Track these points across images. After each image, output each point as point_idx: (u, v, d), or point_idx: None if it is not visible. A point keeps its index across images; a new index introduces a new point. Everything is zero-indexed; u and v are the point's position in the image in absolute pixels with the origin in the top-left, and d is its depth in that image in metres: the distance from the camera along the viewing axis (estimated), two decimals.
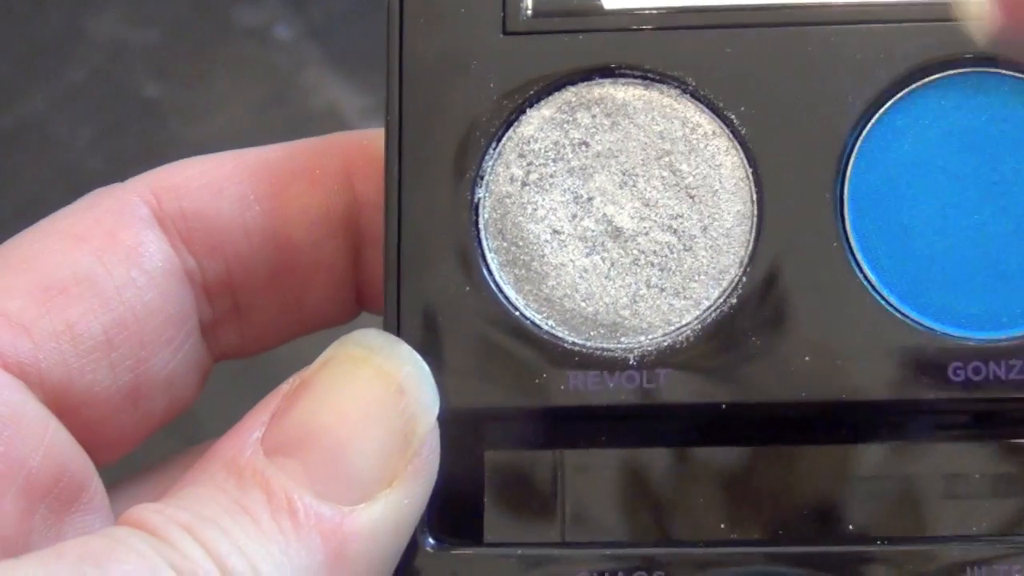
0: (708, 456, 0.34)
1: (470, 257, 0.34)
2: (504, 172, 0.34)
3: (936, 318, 0.33)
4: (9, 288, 0.33)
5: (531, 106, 0.35)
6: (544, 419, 0.34)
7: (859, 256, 0.34)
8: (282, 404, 0.32)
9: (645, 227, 0.34)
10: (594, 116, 0.35)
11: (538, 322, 0.34)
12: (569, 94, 0.35)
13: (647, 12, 0.35)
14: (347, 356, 0.32)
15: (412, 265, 0.34)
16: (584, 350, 0.34)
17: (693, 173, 0.34)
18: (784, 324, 0.33)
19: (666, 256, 0.34)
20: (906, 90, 0.34)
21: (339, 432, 0.31)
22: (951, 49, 0.34)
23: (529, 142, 0.35)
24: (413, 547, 0.33)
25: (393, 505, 0.31)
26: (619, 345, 0.34)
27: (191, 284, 0.35)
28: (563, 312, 0.34)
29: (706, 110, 0.34)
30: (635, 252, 0.34)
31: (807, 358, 0.33)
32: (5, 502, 0.31)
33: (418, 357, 0.32)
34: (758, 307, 0.33)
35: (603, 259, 0.34)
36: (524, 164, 0.34)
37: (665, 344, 0.33)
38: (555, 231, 0.34)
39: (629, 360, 0.33)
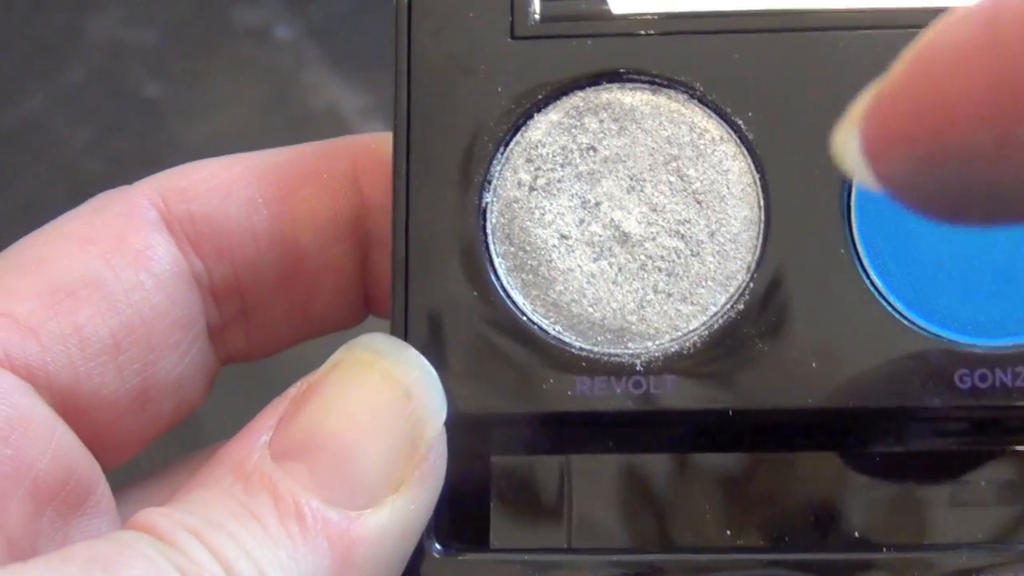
0: (714, 462, 0.34)
1: (477, 262, 0.34)
2: (512, 177, 0.34)
3: (943, 325, 0.33)
4: (17, 290, 0.33)
5: (539, 111, 0.35)
6: (551, 425, 0.34)
7: (866, 262, 0.34)
8: (290, 408, 0.32)
9: (652, 232, 0.34)
10: (602, 121, 0.35)
11: (545, 327, 0.34)
12: (577, 99, 0.35)
13: (655, 17, 0.35)
14: (355, 360, 0.32)
15: (420, 269, 0.34)
16: (591, 355, 0.34)
17: (700, 178, 0.34)
18: (791, 330, 0.33)
19: (673, 261, 0.34)
20: None
21: (346, 437, 0.31)
22: None
23: (537, 147, 0.35)
24: (419, 552, 0.33)
25: (400, 510, 0.31)
26: (626, 351, 0.34)
27: (199, 287, 0.35)
28: (570, 317, 0.34)
29: (714, 115, 0.34)
30: (642, 257, 0.34)
31: (813, 364, 0.33)
32: (12, 505, 0.31)
33: (426, 362, 0.32)
34: (765, 313, 0.33)
35: (610, 264, 0.34)
36: (532, 169, 0.34)
37: (672, 350, 0.33)
38: (562, 236, 0.34)
39: (636, 366, 0.33)
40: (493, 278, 0.34)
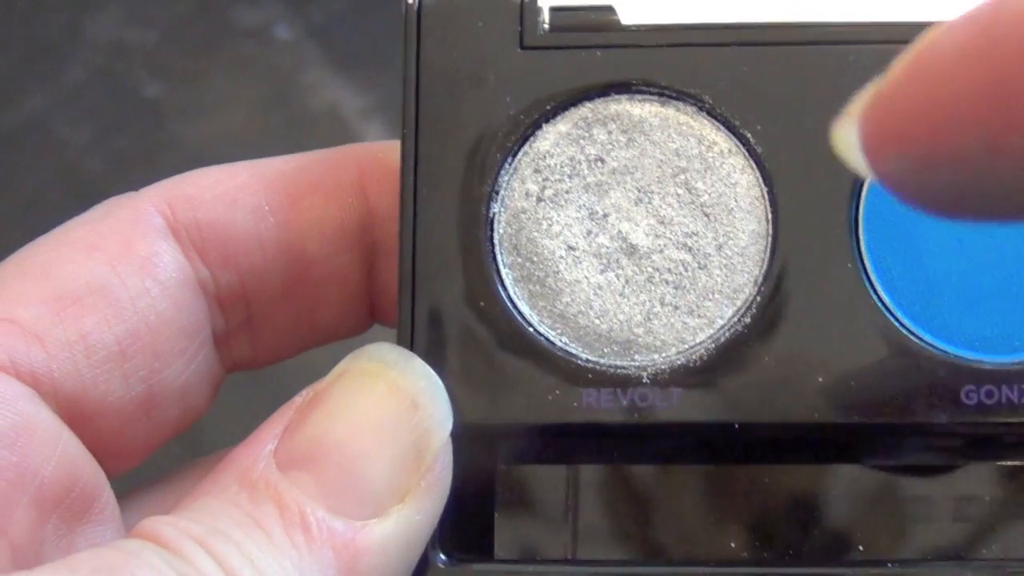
0: (719, 475, 0.34)
1: (484, 272, 0.34)
2: (519, 187, 0.34)
3: (949, 340, 0.33)
4: (23, 297, 0.33)
5: (547, 121, 0.34)
6: (557, 436, 0.34)
7: (873, 277, 0.34)
8: (295, 417, 0.32)
9: (660, 244, 0.34)
10: (610, 132, 0.34)
11: (552, 338, 0.34)
12: (585, 110, 0.35)
13: (664, 29, 0.34)
14: (361, 370, 0.32)
15: (426, 279, 0.34)
16: (598, 367, 0.33)
17: (708, 191, 0.34)
18: (797, 344, 0.33)
19: (681, 274, 0.34)
20: None
21: (352, 446, 0.31)
22: None
23: (545, 157, 0.34)
24: (424, 563, 0.33)
25: (405, 520, 0.31)
26: (633, 363, 0.34)
27: (204, 295, 0.35)
28: (577, 329, 0.34)
29: (722, 128, 0.34)
30: (650, 270, 0.34)
31: (820, 379, 0.33)
32: (17, 512, 0.31)
33: (432, 372, 0.32)
34: (772, 327, 0.33)
35: (617, 276, 0.34)
36: (540, 179, 0.34)
37: (679, 362, 0.33)
38: (570, 247, 0.34)
39: (643, 378, 0.33)
40: (500, 289, 0.34)
